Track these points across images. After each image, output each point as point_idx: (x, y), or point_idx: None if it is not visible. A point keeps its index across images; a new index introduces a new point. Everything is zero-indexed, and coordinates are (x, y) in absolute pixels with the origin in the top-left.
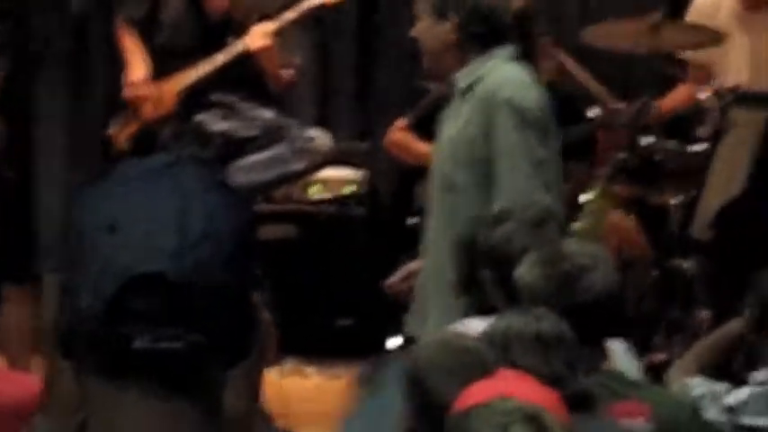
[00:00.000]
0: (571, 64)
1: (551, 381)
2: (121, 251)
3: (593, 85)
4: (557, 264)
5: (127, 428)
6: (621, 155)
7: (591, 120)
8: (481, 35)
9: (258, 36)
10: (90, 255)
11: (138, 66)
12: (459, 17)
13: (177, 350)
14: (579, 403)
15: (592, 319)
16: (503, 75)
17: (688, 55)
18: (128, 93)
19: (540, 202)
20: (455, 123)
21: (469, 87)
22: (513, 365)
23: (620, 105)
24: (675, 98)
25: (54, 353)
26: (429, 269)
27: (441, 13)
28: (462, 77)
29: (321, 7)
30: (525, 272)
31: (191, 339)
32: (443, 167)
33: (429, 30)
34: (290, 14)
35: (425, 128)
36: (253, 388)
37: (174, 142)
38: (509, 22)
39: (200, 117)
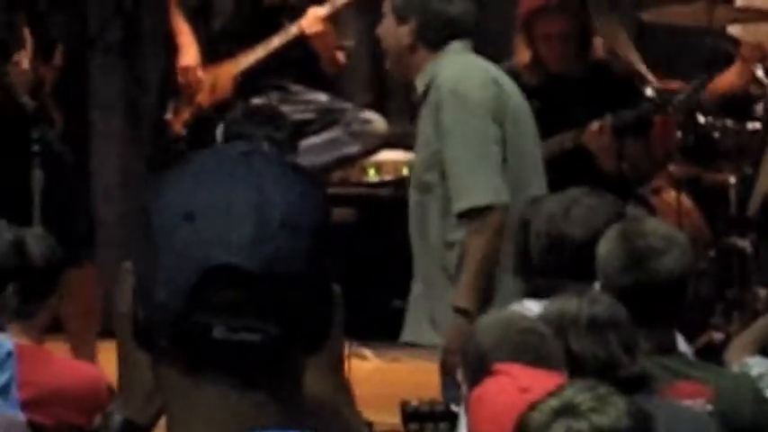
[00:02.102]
0: (626, 43)
1: (607, 364)
2: (198, 242)
3: (642, 67)
4: (632, 240)
5: (205, 419)
6: (678, 134)
7: (647, 99)
8: (435, 39)
9: (313, 19)
10: (165, 245)
11: (190, 51)
12: (417, 21)
13: (255, 341)
14: (636, 385)
15: (660, 299)
16: (450, 69)
17: (740, 33)
18: (180, 77)
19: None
20: (421, 126)
21: (426, 89)
22: (568, 349)
23: (676, 84)
24: (730, 77)
25: (130, 343)
26: (416, 272)
27: (401, 16)
28: (420, 81)
29: None
30: (603, 244)
31: (269, 330)
32: (417, 169)
33: (390, 31)
34: None
35: None
36: (335, 369)
37: (245, 122)
38: (466, 23)
39: (256, 101)
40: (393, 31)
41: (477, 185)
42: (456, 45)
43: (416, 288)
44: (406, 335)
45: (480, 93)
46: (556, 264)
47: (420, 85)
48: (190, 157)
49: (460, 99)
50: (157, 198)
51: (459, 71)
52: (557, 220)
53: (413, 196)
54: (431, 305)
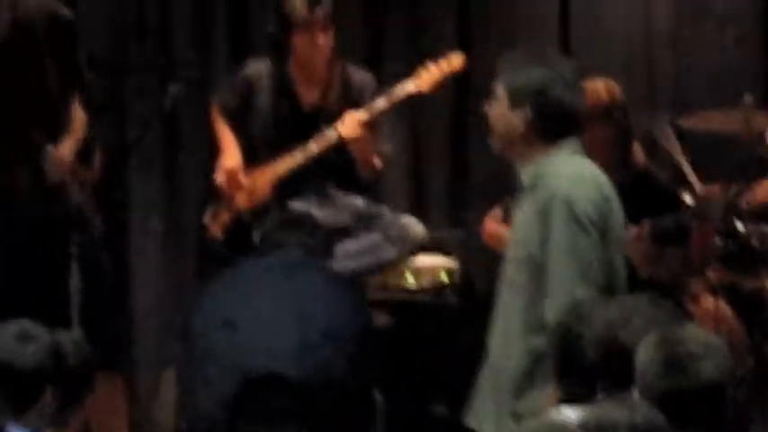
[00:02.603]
0: (674, 145)
1: None
2: (241, 351)
3: (688, 171)
4: (671, 346)
5: None
6: (717, 241)
7: (686, 206)
8: (550, 129)
9: (351, 124)
10: (208, 354)
11: (230, 152)
12: (531, 110)
13: None
14: None
15: (699, 406)
16: (563, 172)
17: None
18: (220, 179)
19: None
20: (521, 223)
21: (533, 184)
22: None
23: (715, 191)
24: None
25: None
26: (488, 364)
27: (515, 101)
28: (527, 173)
29: (414, 95)
30: (641, 350)
31: None
32: (508, 264)
33: (501, 115)
34: (382, 103)
35: None
36: None
37: (281, 229)
38: (582, 117)
39: (295, 205)
40: (505, 115)
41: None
42: (569, 144)
43: (487, 377)
44: (470, 420)
45: (593, 209)
46: (606, 372)
47: (527, 177)
48: (232, 266)
49: (573, 214)
50: (200, 306)
51: (574, 180)
52: (616, 329)
53: (500, 289)
54: (496, 399)
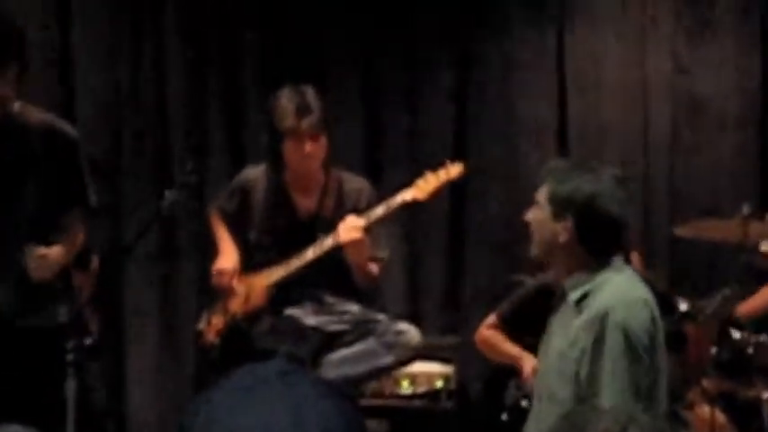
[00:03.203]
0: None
1: None
2: None
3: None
4: None
5: None
6: (712, 348)
7: (679, 313)
8: (596, 242)
9: (348, 231)
10: None
11: (227, 254)
12: (575, 222)
13: None
14: None
15: None
16: (616, 292)
17: None
18: (216, 280)
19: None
20: (565, 335)
21: (581, 299)
22: None
23: (709, 300)
24: (765, 296)
25: None
26: None
27: (560, 211)
28: (572, 287)
29: (411, 203)
30: None
31: None
32: (549, 378)
33: (544, 222)
34: (379, 210)
35: (515, 324)
36: None
37: (270, 337)
38: (628, 230)
39: (291, 312)
40: (548, 225)
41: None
42: (617, 261)
43: None
44: None
45: (646, 335)
46: None
47: (573, 292)
48: (228, 373)
49: (629, 342)
50: (194, 416)
51: (627, 304)
52: None
53: (539, 403)
54: None
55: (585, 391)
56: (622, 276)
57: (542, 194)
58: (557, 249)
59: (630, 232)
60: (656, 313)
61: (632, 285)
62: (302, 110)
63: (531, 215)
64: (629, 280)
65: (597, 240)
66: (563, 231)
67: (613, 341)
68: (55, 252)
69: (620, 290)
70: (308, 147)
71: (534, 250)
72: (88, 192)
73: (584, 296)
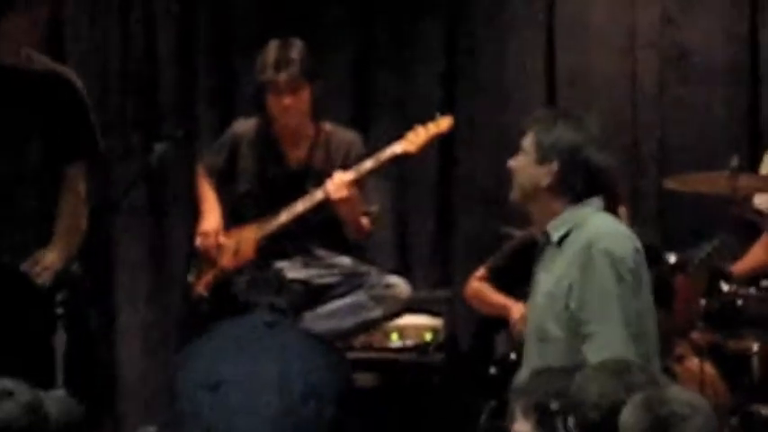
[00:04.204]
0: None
1: None
2: (223, 412)
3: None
4: (654, 408)
5: None
6: (701, 301)
7: (669, 266)
8: (578, 187)
9: (337, 185)
10: (191, 412)
11: (211, 215)
12: (560, 165)
13: None
14: None
15: None
16: (597, 225)
17: (766, 203)
18: (199, 242)
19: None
20: (550, 275)
21: (563, 238)
22: None
23: (696, 251)
24: (758, 253)
25: None
26: None
27: (543, 156)
28: (555, 228)
29: (400, 156)
30: (625, 412)
31: None
32: (539, 318)
33: (527, 167)
34: (369, 164)
35: (505, 276)
36: None
37: (250, 290)
38: (609, 177)
39: (281, 265)
40: (530, 170)
41: (620, 351)
42: (596, 201)
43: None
44: None
45: (630, 260)
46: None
47: (555, 231)
48: (215, 327)
49: (614, 263)
50: (183, 367)
51: (610, 233)
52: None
53: (531, 345)
54: None
55: (577, 322)
56: (603, 215)
57: (527, 141)
58: (539, 194)
59: (619, 186)
60: (640, 247)
61: (614, 222)
62: (281, 63)
63: (515, 162)
64: (610, 218)
65: (579, 185)
66: (546, 175)
67: (600, 267)
68: (50, 257)
69: (603, 224)
70: (287, 100)
71: (515, 194)
72: (96, 138)
73: (566, 235)
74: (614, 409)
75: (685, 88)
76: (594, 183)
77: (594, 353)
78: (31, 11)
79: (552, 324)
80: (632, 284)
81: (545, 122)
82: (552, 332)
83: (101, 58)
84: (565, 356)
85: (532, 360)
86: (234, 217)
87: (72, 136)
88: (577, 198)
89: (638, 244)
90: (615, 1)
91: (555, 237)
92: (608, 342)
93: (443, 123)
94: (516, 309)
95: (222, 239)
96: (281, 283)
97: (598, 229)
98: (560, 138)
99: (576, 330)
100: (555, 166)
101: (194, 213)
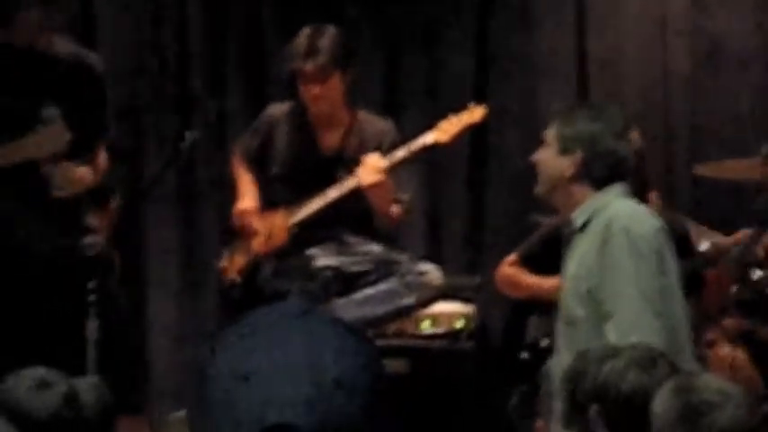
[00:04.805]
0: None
1: None
2: (253, 402)
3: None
4: (685, 395)
5: None
6: (733, 288)
7: (700, 254)
8: (601, 175)
9: (370, 172)
10: (222, 402)
11: (248, 196)
12: (583, 155)
13: None
14: None
15: None
16: (618, 208)
17: None
18: (236, 221)
19: (648, 344)
20: (575, 259)
21: (586, 223)
22: None
23: (728, 240)
24: None
25: None
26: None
27: (566, 147)
28: (579, 215)
29: (433, 146)
30: (657, 400)
31: None
32: (566, 303)
33: (550, 159)
34: (401, 152)
35: (536, 263)
36: None
37: (277, 279)
38: (631, 165)
39: (313, 251)
40: (553, 161)
41: (642, 328)
42: (619, 187)
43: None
44: None
45: (651, 238)
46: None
47: (579, 218)
48: (247, 312)
49: (632, 240)
50: (214, 356)
51: (631, 212)
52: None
53: (560, 330)
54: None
55: (597, 301)
56: (625, 199)
57: (549, 134)
58: (563, 184)
59: (649, 173)
60: (665, 228)
61: (635, 205)
62: (309, 52)
63: (538, 155)
64: (632, 202)
65: (602, 173)
66: (570, 166)
67: (618, 244)
68: (82, 169)
69: (624, 206)
70: (316, 89)
71: (540, 188)
72: (107, 126)
73: (589, 220)
74: (645, 404)
75: (716, 76)
76: (617, 171)
77: (616, 333)
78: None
79: (577, 307)
80: (654, 262)
81: (566, 114)
82: (578, 315)
83: (132, 45)
84: (590, 339)
85: (562, 346)
86: (266, 200)
87: (90, 120)
88: (600, 186)
89: (661, 224)
90: None
91: (578, 222)
92: (628, 321)
93: (476, 113)
94: (550, 282)
95: (255, 224)
96: (308, 271)
97: (618, 211)
98: (581, 128)
99: (597, 311)
100: (578, 156)
101: (225, 200)
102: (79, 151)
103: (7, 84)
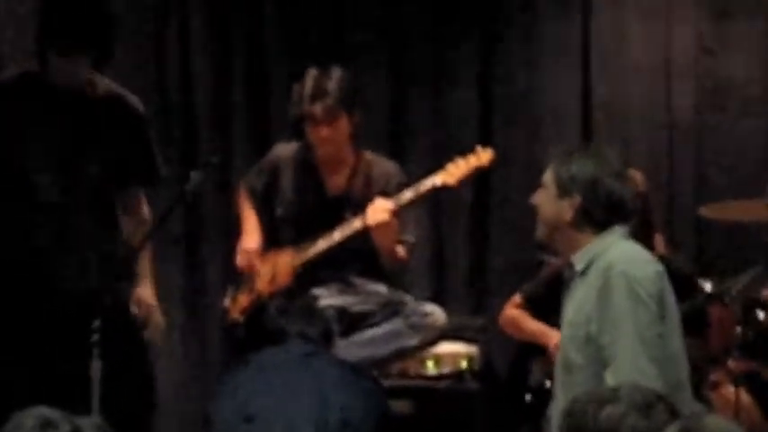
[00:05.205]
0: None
1: None
2: None
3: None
4: None
5: None
6: (737, 329)
7: (704, 294)
8: (600, 218)
9: (376, 213)
10: None
11: (252, 234)
12: (582, 198)
13: None
14: None
15: None
16: (618, 251)
17: None
18: (240, 260)
19: (648, 387)
20: (574, 304)
21: (586, 268)
22: None
23: (733, 280)
24: None
25: None
26: None
27: (564, 190)
28: (579, 259)
29: (441, 188)
30: None
31: None
32: (564, 349)
33: (549, 203)
34: (408, 194)
35: (540, 305)
36: None
37: (281, 318)
38: (630, 206)
39: (317, 291)
40: (553, 204)
41: (640, 374)
42: (619, 230)
43: None
44: None
45: (650, 284)
46: None
47: (579, 262)
48: (250, 357)
49: (632, 285)
50: (219, 397)
51: (630, 257)
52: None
53: (558, 376)
54: None
55: (597, 347)
56: (626, 242)
57: (547, 177)
58: (562, 227)
59: (654, 214)
60: (664, 273)
61: (635, 248)
62: (317, 94)
63: (537, 197)
64: (633, 245)
65: (601, 216)
66: (568, 209)
67: (617, 289)
68: (148, 291)
69: (624, 250)
70: (324, 131)
71: (540, 231)
72: (156, 164)
73: (589, 265)
74: None
75: (721, 117)
76: (617, 213)
77: (615, 379)
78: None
79: (575, 353)
80: (653, 308)
81: (563, 157)
82: (576, 361)
83: (136, 87)
84: (588, 385)
85: (559, 392)
86: (271, 240)
87: (131, 160)
88: (600, 229)
89: (661, 268)
90: (651, 30)
91: (578, 267)
92: (627, 368)
93: (484, 157)
94: (553, 337)
95: (259, 264)
96: (312, 312)
97: (617, 255)
98: (579, 171)
99: (597, 357)
100: (576, 200)
101: (229, 240)
102: (125, 193)
103: (52, 125)
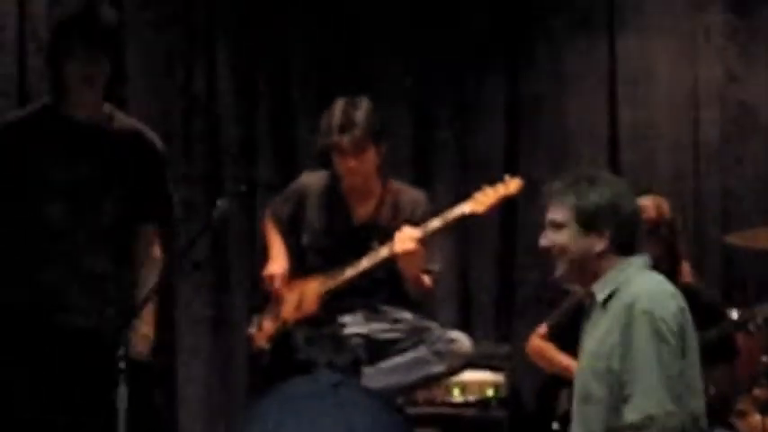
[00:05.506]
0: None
1: None
2: None
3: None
4: None
5: None
6: (763, 358)
7: (731, 322)
8: (628, 242)
9: (404, 242)
10: None
11: (278, 259)
12: (614, 228)
13: None
14: None
15: None
16: (641, 285)
17: None
18: (265, 284)
19: (680, 413)
20: (595, 335)
21: (608, 299)
22: None
23: (759, 307)
24: None
25: None
26: None
27: (591, 224)
28: (600, 289)
29: (469, 216)
30: None
31: None
32: (583, 379)
33: (574, 240)
34: (436, 222)
35: (565, 335)
36: None
37: (307, 346)
38: (641, 219)
39: (344, 319)
40: (579, 241)
41: (664, 413)
42: (641, 259)
43: None
44: None
45: (673, 320)
46: None
47: (600, 292)
48: (277, 387)
49: (654, 324)
50: (247, 425)
51: (652, 292)
52: None
53: (576, 406)
54: None
55: (619, 383)
56: (648, 274)
57: (561, 214)
58: (591, 261)
59: (682, 242)
60: (686, 307)
61: (658, 281)
62: (344, 126)
63: (553, 239)
64: (655, 277)
65: (628, 239)
66: (598, 242)
67: (641, 326)
68: (144, 329)
69: (646, 283)
70: (352, 162)
71: (563, 271)
72: (170, 202)
73: (611, 295)
74: None
75: (748, 144)
76: (636, 230)
77: (634, 415)
78: (90, 63)
79: (595, 384)
80: (675, 345)
81: (570, 192)
82: (595, 393)
83: (163, 116)
84: (604, 418)
85: (576, 423)
86: (298, 268)
87: (146, 197)
88: (627, 253)
89: (683, 303)
90: (678, 57)
91: (600, 298)
92: (647, 405)
93: (512, 185)
94: None
95: (285, 290)
96: (339, 341)
97: (640, 289)
98: (600, 201)
99: (617, 392)
100: (606, 231)
101: (255, 268)
102: (138, 229)
103: (69, 157)
